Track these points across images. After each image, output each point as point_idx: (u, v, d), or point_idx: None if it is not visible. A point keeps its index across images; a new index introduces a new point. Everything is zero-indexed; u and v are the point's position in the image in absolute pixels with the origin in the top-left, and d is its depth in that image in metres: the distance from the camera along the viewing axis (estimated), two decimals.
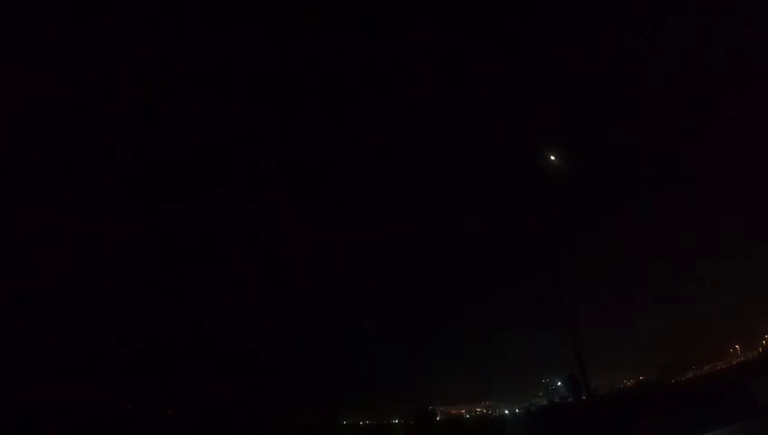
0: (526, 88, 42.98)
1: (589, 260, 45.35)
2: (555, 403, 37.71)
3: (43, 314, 32.18)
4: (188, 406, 31.34)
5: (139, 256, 36.53)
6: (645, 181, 44.64)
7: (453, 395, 41.03)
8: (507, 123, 42.01)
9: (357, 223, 40.27)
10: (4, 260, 31.02)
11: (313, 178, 43.22)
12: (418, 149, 41.64)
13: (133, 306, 34.91)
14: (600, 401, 31.53)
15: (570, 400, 34.80)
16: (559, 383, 39.33)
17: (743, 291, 39.13)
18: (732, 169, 41.04)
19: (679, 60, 41.24)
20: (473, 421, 38.33)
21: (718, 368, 36.57)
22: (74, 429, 26.31)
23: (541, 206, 40.40)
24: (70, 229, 34.56)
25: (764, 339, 37.35)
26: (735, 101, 40.35)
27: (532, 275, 41.07)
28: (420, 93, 42.96)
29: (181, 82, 37.10)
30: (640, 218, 44.50)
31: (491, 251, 45.16)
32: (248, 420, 31.88)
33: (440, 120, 42.79)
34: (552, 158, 27.56)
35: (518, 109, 42.62)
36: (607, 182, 44.55)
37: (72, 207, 34.76)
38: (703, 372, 37.19)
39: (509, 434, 32.27)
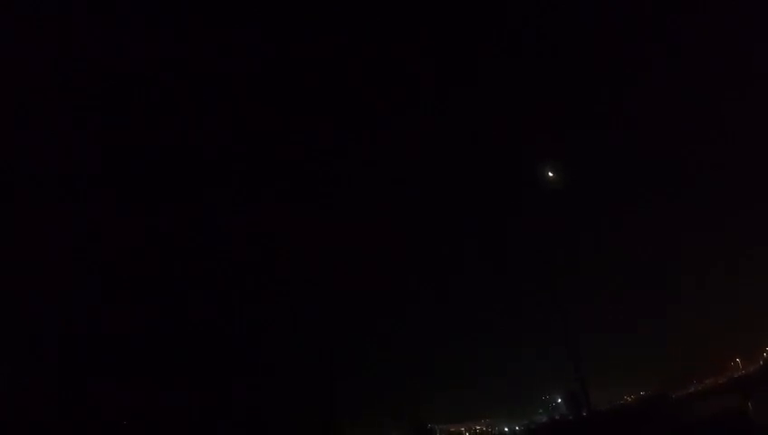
0: (526, 88, 42.90)
1: (588, 271, 44.96)
2: (555, 420, 37.48)
3: (43, 313, 32.22)
4: (187, 411, 31.37)
5: (139, 255, 36.56)
6: (643, 191, 44.48)
7: (452, 413, 40.79)
8: (507, 123, 41.98)
9: (357, 233, 40.16)
10: (4, 260, 31.04)
11: (313, 178, 43.15)
12: (419, 150, 41.51)
13: (132, 306, 34.94)
14: (600, 417, 31.41)
15: (570, 417, 34.66)
16: (559, 400, 39.13)
17: (743, 303, 38.89)
18: (732, 169, 41.03)
19: (679, 60, 41.24)
20: None
21: (719, 382, 36.43)
22: (74, 429, 26.33)
23: (541, 218, 40.32)
24: (69, 229, 34.60)
25: (765, 352, 37.25)
26: (735, 101, 40.34)
27: (533, 289, 41.01)
28: (420, 93, 42.85)
29: (181, 82, 37.07)
30: (640, 218, 44.43)
31: (490, 264, 45.04)
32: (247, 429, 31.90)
33: (440, 120, 42.71)
34: (550, 174, 27.60)
35: (518, 109, 42.51)
36: (604, 194, 44.37)
37: (71, 207, 34.79)
38: (704, 387, 37.00)
39: None
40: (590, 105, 44.47)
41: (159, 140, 36.70)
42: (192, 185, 39.48)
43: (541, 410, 41.12)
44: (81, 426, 27.46)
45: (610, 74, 43.42)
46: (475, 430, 40.36)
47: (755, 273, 39.37)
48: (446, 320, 43.58)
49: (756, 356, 37.86)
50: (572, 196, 39.97)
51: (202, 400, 32.79)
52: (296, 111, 40.67)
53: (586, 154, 41.67)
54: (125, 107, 36.22)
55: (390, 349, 41.77)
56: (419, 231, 44.77)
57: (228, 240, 40.19)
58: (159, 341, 34.31)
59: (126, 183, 37.07)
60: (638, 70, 42.38)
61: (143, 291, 36.04)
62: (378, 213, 42.50)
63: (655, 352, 41.12)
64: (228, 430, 32.24)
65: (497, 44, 43.15)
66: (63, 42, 32.75)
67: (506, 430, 39.32)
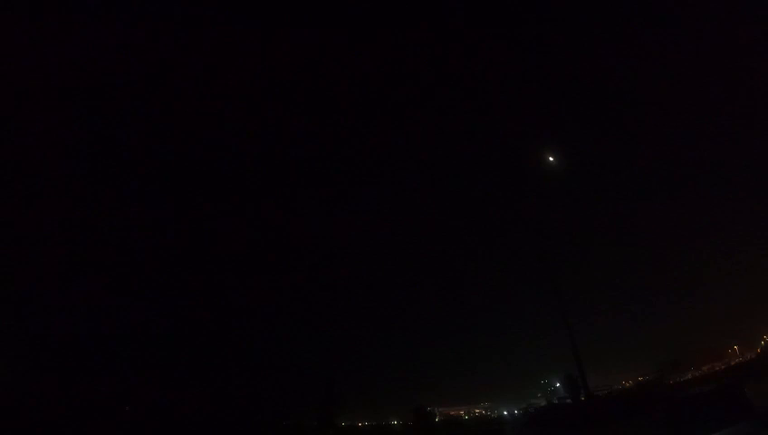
0: (527, 88, 42.98)
1: (587, 260, 45.33)
2: (554, 404, 37.70)
3: (43, 313, 32.23)
4: (188, 406, 31.35)
5: (140, 255, 36.59)
6: (644, 181, 44.65)
7: (452, 396, 41.03)
8: (507, 122, 42.06)
9: (358, 223, 40.28)
10: (5, 260, 31.04)
11: (314, 178, 43.24)
12: (419, 149, 41.61)
13: (133, 306, 34.96)
14: (598, 401, 31.68)
15: (568, 401, 34.95)
16: (557, 384, 39.34)
17: (742, 291, 39.08)
18: (732, 169, 41.07)
19: (679, 60, 41.29)
20: (472, 422, 38.32)
21: (717, 368, 36.56)
22: (75, 428, 26.33)
23: (540, 206, 40.49)
24: (70, 229, 34.60)
25: (763, 340, 37.36)
26: (735, 101, 40.39)
27: (532, 276, 41.15)
28: (420, 93, 42.93)
29: (181, 81, 37.12)
30: (640, 218, 44.51)
31: (491, 253, 45.23)
32: (247, 419, 31.88)
33: (440, 120, 42.79)
34: (551, 159, 27.62)
35: (518, 109, 42.59)
36: (606, 182, 44.61)
37: (72, 207, 34.80)
38: (701, 373, 37.16)
39: None
40: (590, 105, 44.61)
41: (159, 140, 36.76)
42: (192, 185, 39.55)
43: (539, 394, 41.47)
44: (81, 426, 27.44)
45: (610, 74, 43.53)
46: (474, 412, 40.68)
47: (755, 271, 39.48)
48: (445, 319, 43.75)
49: (754, 343, 38.03)
50: (572, 195, 40.08)
51: (202, 400, 32.79)
52: (296, 111, 40.79)
53: (586, 153, 41.76)
54: (125, 107, 36.30)
55: (390, 347, 41.92)
56: (419, 231, 44.94)
57: (228, 240, 40.25)
58: (159, 341, 34.32)
59: (126, 183, 37.14)
60: (638, 70, 42.49)
61: (143, 291, 36.07)
62: (378, 213, 42.63)
63: (653, 339, 41.52)
64: (228, 429, 32.23)
65: (497, 44, 43.26)
66: (63, 42, 32.80)
67: (505, 413, 39.58)
